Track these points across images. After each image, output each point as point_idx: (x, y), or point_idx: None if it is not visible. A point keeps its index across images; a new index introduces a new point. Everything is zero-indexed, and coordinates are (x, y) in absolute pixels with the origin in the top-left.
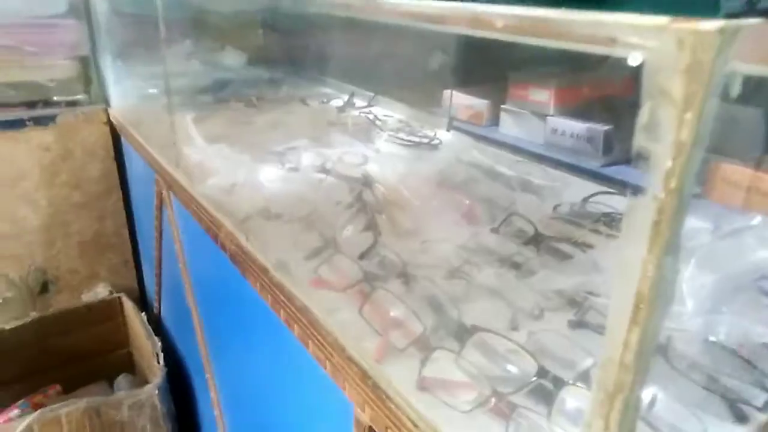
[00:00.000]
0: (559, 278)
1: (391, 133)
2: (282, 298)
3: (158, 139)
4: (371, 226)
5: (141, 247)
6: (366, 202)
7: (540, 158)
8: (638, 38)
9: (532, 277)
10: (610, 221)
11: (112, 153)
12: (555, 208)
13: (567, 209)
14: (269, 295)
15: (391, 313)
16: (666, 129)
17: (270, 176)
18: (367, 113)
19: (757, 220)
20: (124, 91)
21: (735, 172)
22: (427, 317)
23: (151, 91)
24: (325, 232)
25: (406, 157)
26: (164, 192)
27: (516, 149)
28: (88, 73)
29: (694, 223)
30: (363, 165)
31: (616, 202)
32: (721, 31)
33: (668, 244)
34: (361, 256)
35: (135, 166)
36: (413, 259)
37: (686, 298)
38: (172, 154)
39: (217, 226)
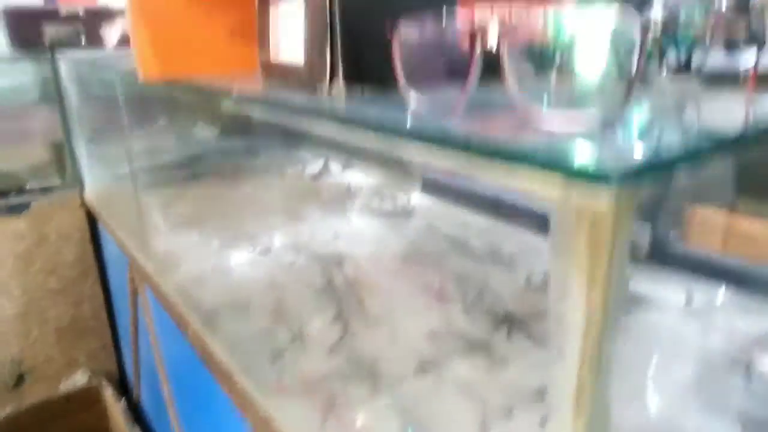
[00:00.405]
0: (527, 366)
1: (365, 201)
2: (248, 403)
3: (129, 223)
4: (340, 315)
5: (119, 328)
6: (336, 285)
7: (515, 212)
8: (544, 190)
9: (501, 367)
10: None
11: (88, 235)
12: (527, 279)
13: (539, 279)
14: (236, 399)
15: (357, 424)
16: (574, 291)
17: (240, 261)
18: (341, 180)
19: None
20: (99, 174)
21: (710, 217)
22: (392, 427)
23: (124, 171)
24: (294, 324)
25: (378, 229)
26: (137, 279)
27: (491, 203)
28: (62, 157)
29: (665, 296)
30: (335, 241)
31: None
32: (617, 196)
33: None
34: (330, 352)
35: (110, 249)
36: (382, 353)
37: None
38: (142, 241)
39: (184, 322)
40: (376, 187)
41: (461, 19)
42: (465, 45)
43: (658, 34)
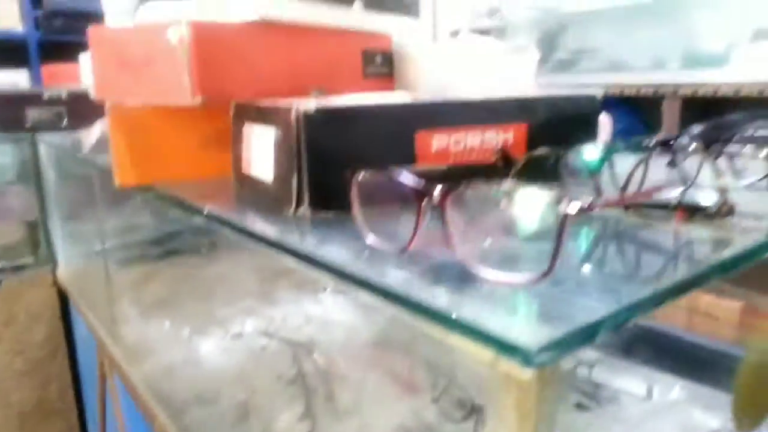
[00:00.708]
0: None
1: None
2: None
3: (100, 305)
4: (309, 410)
5: (87, 411)
6: (306, 375)
7: None
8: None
9: None
10: None
11: (59, 313)
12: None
13: None
14: None
15: None
16: None
17: (211, 349)
18: None
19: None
20: (73, 252)
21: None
22: None
23: (98, 249)
24: (262, 419)
25: (350, 311)
26: (106, 363)
27: None
28: (36, 236)
29: (625, 387)
30: (306, 325)
31: None
32: (539, 378)
33: None
34: None
35: (81, 329)
36: None
37: None
38: (112, 326)
39: (152, 414)
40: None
41: (420, 146)
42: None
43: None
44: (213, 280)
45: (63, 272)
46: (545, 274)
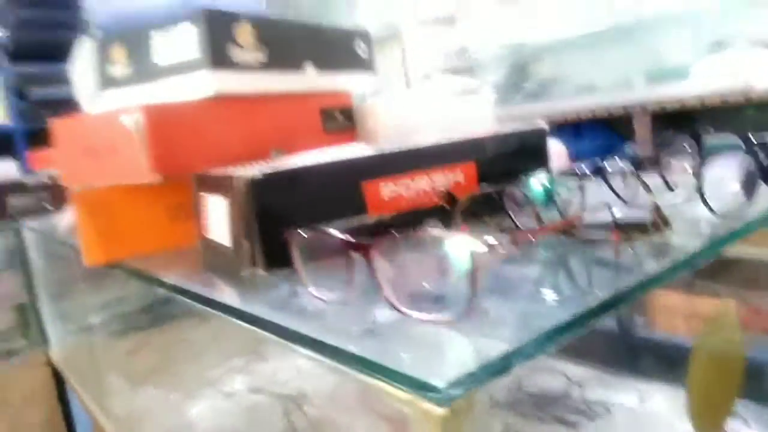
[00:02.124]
0: None
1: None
2: None
3: (91, 381)
4: None
5: None
6: (297, 428)
7: None
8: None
9: None
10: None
11: (55, 394)
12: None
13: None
14: None
15: None
16: None
17: (202, 411)
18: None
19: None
20: (64, 330)
21: (670, 298)
22: None
23: (89, 324)
24: None
25: None
26: None
27: None
28: (26, 319)
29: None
30: (296, 378)
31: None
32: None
33: None
34: None
35: (77, 408)
36: None
37: None
38: (104, 401)
39: None
40: None
41: (369, 196)
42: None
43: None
44: (203, 342)
45: (56, 352)
46: (462, 314)
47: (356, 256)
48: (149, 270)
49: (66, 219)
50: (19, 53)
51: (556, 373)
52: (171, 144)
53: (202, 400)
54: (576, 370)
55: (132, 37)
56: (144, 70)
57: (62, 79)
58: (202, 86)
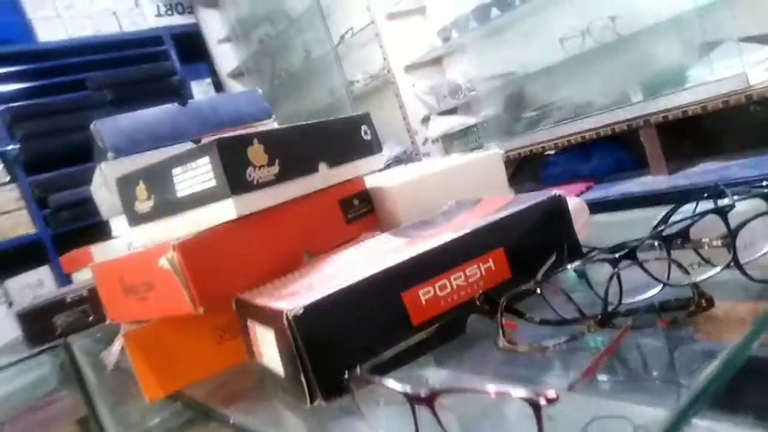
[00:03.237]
0: None
1: None
2: None
3: None
4: None
5: None
6: None
7: None
8: None
9: None
10: None
11: None
12: None
13: None
14: None
15: None
16: None
17: None
18: None
19: None
20: None
21: None
22: None
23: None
24: None
25: None
26: None
27: None
28: (89, 430)
29: None
30: None
31: None
32: None
33: None
34: None
35: None
36: None
37: None
38: None
39: None
40: None
41: (409, 305)
42: None
43: None
44: None
45: None
46: None
47: (419, 406)
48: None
49: (111, 355)
50: (33, 163)
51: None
52: (209, 275)
53: None
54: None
55: (153, 174)
56: (168, 204)
57: (77, 182)
58: (225, 213)
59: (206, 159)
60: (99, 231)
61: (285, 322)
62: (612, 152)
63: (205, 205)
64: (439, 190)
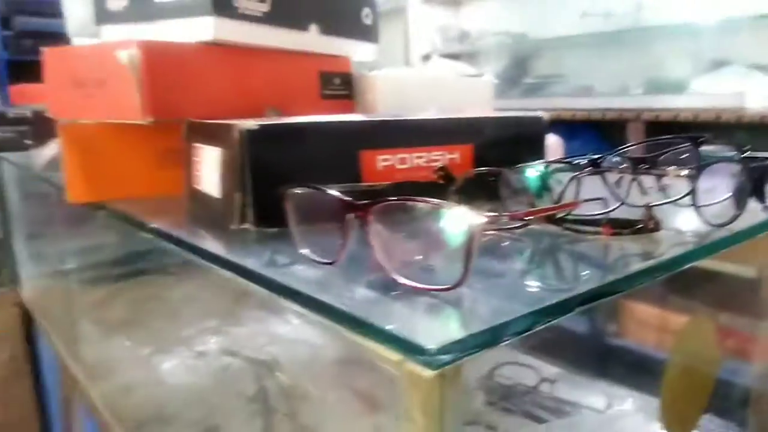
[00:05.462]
0: None
1: None
2: None
3: (62, 325)
4: (270, 429)
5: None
6: (268, 393)
7: None
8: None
9: None
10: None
11: (22, 334)
12: None
13: None
14: None
15: None
16: None
17: (172, 368)
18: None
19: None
20: (37, 272)
21: (643, 312)
22: None
23: (63, 268)
24: None
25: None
26: (69, 384)
27: None
28: None
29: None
30: (270, 344)
31: None
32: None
33: None
34: None
35: (45, 350)
36: None
37: None
38: (74, 346)
39: None
40: None
41: (364, 165)
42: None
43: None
44: (178, 300)
45: (27, 292)
46: (456, 284)
47: (352, 218)
48: (133, 214)
49: (47, 153)
50: None
51: (527, 368)
52: (166, 86)
53: (174, 356)
54: (548, 369)
55: None
56: (143, 8)
57: (50, 12)
58: (201, 31)
59: None
60: None
61: (237, 134)
62: (595, 138)
63: (183, 17)
64: (424, 94)
